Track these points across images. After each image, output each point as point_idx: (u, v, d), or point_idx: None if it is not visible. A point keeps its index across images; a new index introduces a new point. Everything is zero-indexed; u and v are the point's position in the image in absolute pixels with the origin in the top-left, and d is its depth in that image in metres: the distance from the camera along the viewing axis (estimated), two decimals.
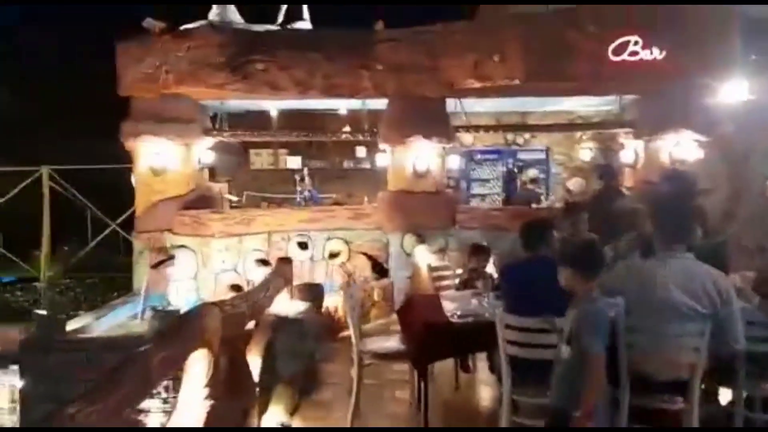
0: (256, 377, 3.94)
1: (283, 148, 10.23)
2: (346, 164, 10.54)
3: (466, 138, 10.79)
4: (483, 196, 10.27)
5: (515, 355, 3.39)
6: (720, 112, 9.74)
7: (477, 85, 7.25)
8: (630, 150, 8.05)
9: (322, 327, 5.40)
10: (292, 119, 9.83)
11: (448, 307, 4.25)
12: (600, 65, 6.80)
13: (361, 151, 10.41)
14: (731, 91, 9.54)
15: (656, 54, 6.76)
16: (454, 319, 3.90)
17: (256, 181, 10.26)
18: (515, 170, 10.02)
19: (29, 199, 10.63)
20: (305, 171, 9.46)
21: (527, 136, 10.87)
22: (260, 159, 10.34)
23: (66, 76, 12.44)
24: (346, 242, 7.50)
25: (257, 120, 9.74)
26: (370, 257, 7.45)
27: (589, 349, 2.57)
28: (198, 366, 2.80)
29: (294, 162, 10.07)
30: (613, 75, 6.84)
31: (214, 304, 2.97)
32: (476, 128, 8.79)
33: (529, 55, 6.96)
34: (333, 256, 7.36)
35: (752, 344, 3.44)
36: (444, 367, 4.48)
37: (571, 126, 9.62)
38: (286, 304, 4.98)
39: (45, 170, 10.40)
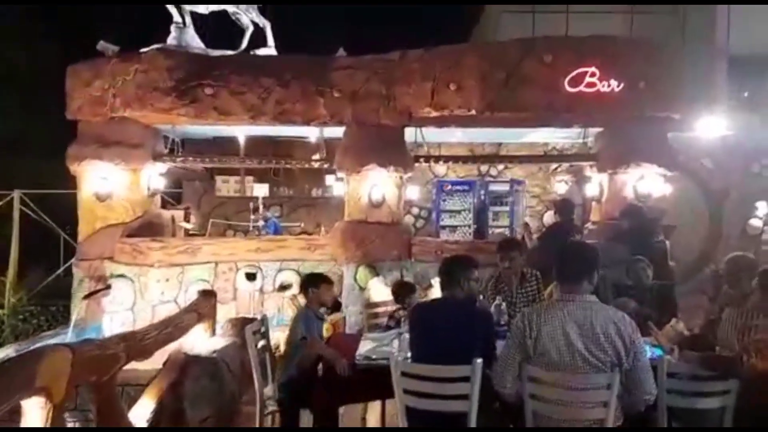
0: (144, 422, 3.65)
1: (250, 175, 10.06)
2: (315, 192, 10.34)
3: (439, 168, 10.64)
4: (453, 228, 10.03)
5: (413, 406, 3.12)
6: (694, 148, 9.59)
7: (434, 114, 7.09)
8: (595, 183, 7.82)
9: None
10: (261, 146, 9.69)
11: (364, 348, 3.98)
12: (556, 96, 6.63)
13: (330, 180, 10.23)
14: (707, 127, 9.41)
15: (614, 86, 6.59)
16: (359, 362, 3.62)
17: (221, 209, 10.08)
18: (487, 202, 9.82)
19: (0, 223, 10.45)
20: (260, 200, 9.26)
21: (501, 167, 10.70)
22: (227, 186, 10.17)
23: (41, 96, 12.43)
24: (299, 274, 7.23)
25: (225, 146, 9.62)
26: None
27: None
28: (33, 415, 2.53)
29: (261, 189, 9.88)
30: (570, 106, 6.67)
31: (66, 345, 2.71)
32: (437, 158, 8.61)
33: (485, 85, 6.82)
34: (283, 288, 7.09)
35: (673, 398, 3.17)
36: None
37: (532, 158, 9.45)
38: (204, 341, 4.70)
39: (16, 194, 10.25)
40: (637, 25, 13.67)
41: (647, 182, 7.21)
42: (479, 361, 2.98)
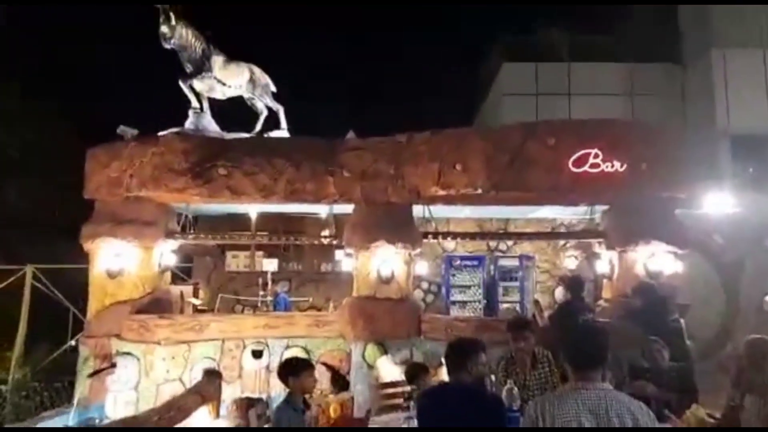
0: None
1: (260, 250, 10.15)
2: (324, 267, 10.36)
3: (448, 243, 10.69)
4: (464, 303, 9.93)
5: None
6: (703, 224, 9.61)
7: (441, 192, 7.23)
8: (605, 260, 7.79)
9: None
10: (272, 221, 9.84)
11: None
12: (560, 176, 6.76)
13: (339, 255, 10.28)
14: (715, 204, 9.48)
15: (617, 167, 6.73)
16: None
17: (231, 284, 10.09)
18: (497, 277, 9.77)
19: (11, 298, 10.50)
20: (269, 275, 9.28)
21: (510, 243, 10.72)
22: (236, 261, 10.24)
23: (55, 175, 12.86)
24: (307, 351, 7.13)
25: (237, 222, 9.78)
26: (330, 367, 7.03)
27: None
28: None
29: (270, 264, 9.93)
30: (574, 186, 6.77)
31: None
32: (445, 234, 8.66)
33: (490, 166, 6.98)
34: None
35: None
36: None
37: (540, 234, 9.48)
38: (208, 424, 4.58)
39: (29, 269, 10.37)
40: (638, 108, 14.18)
41: (658, 260, 7.18)
42: None
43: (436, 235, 8.77)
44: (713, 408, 4.36)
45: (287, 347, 7.13)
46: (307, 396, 4.25)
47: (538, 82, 14.74)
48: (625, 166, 6.77)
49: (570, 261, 10.21)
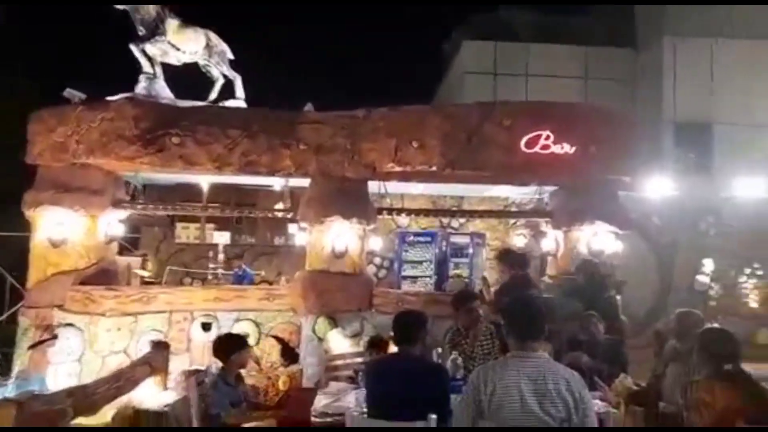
0: None
1: (211, 222, 10.01)
2: (277, 241, 10.32)
3: (402, 220, 10.82)
4: (415, 278, 10.10)
5: None
6: (643, 206, 10.09)
7: (398, 169, 7.30)
8: (551, 239, 8.10)
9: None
10: (224, 192, 9.69)
11: (320, 403, 3.95)
12: (513, 157, 6.94)
13: (293, 228, 10.25)
14: (656, 187, 9.96)
15: (567, 149, 6.95)
16: (315, 418, 3.59)
17: (180, 256, 9.93)
18: (448, 254, 9.97)
19: None
20: (220, 248, 9.19)
21: (463, 220, 10.95)
22: (186, 233, 10.06)
23: None
24: (257, 324, 7.14)
25: (188, 192, 9.58)
26: (280, 341, 7.09)
27: None
28: None
29: (221, 237, 9.82)
30: (526, 166, 6.97)
31: (11, 400, 2.62)
32: (399, 211, 8.78)
33: (446, 144, 7.08)
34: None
35: None
36: None
37: (492, 212, 9.71)
38: (155, 395, 4.57)
39: None
40: (593, 91, 14.58)
41: (600, 239, 7.51)
42: (434, 416, 3.01)
43: (390, 211, 8.87)
44: (642, 378, 4.66)
45: (237, 320, 7.11)
46: (242, 371, 4.32)
47: (497, 61, 14.92)
48: (574, 148, 6.99)
49: (519, 239, 10.53)
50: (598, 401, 3.92)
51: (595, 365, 4.86)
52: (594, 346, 5.18)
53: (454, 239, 10.14)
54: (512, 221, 10.67)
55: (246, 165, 7.19)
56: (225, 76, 8.47)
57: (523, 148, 6.89)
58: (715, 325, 3.96)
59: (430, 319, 3.65)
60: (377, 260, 10.26)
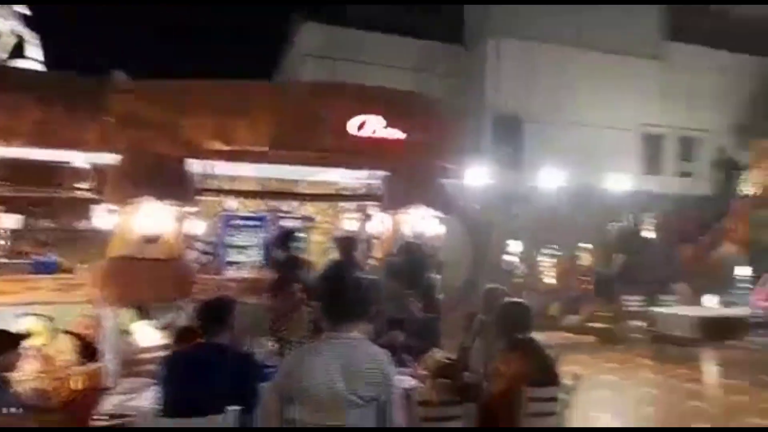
0: None
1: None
2: (80, 225, 9.13)
3: (231, 203, 10.30)
4: (242, 264, 9.70)
5: None
6: (464, 193, 10.88)
7: (222, 147, 6.88)
8: (378, 222, 8.31)
9: None
10: (15, 170, 8.29)
11: (110, 403, 3.52)
12: (344, 140, 6.95)
13: (99, 211, 9.15)
14: (475, 176, 10.78)
15: (397, 134, 7.14)
16: (98, 420, 3.19)
17: None
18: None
19: None
20: (8, 232, 7.92)
21: (295, 204, 10.78)
22: None
23: None
24: (50, 319, 6.23)
25: None
26: (76, 336, 6.27)
27: None
28: None
29: (10, 220, 8.41)
30: (357, 150, 7.03)
31: None
32: (226, 192, 8.36)
33: (276, 123, 6.85)
34: (24, 338, 5.98)
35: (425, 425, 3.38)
36: None
37: (323, 196, 9.71)
38: None
39: None
40: (426, 83, 15.26)
41: (424, 223, 7.87)
42: (233, 409, 2.82)
43: (214, 192, 8.39)
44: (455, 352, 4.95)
45: (21, 315, 6.11)
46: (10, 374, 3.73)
47: (336, 46, 14.91)
48: (404, 134, 7.20)
49: (349, 223, 10.67)
50: (408, 377, 4.08)
51: (409, 342, 5.05)
52: (412, 324, 5.40)
53: (284, 223, 9.94)
54: (342, 205, 10.77)
55: (40, 137, 6.22)
56: (18, 35, 7.24)
57: (355, 132, 6.92)
58: (514, 299, 4.31)
59: (239, 306, 3.43)
60: (200, 245, 9.64)
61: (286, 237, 6.30)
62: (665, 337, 8.77)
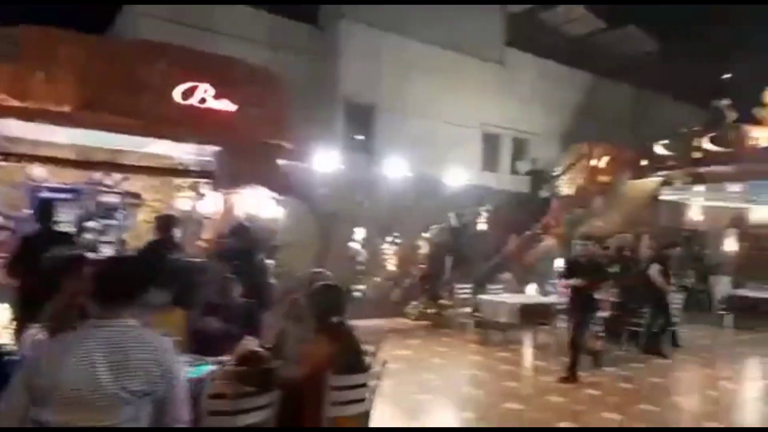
0: None
1: None
2: None
3: (38, 171, 8.94)
4: None
5: None
6: (311, 177, 10.64)
7: (13, 103, 5.84)
8: (210, 201, 7.76)
9: None
10: None
11: None
12: (167, 106, 6.30)
13: None
14: (324, 161, 10.58)
15: (228, 107, 6.64)
16: None
17: None
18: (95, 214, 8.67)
19: None
20: None
21: (119, 177, 9.69)
22: None
23: None
24: None
25: None
26: None
27: None
28: None
29: None
30: (181, 119, 6.43)
31: None
32: (27, 159, 7.20)
33: (85, 81, 6.00)
34: None
35: (217, 419, 3.09)
36: None
37: (143, 168, 8.85)
38: None
39: None
40: (275, 61, 14.63)
41: (259, 203, 7.49)
42: None
43: (17, 157, 7.19)
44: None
45: None
46: None
47: (181, 8, 13.63)
48: (235, 107, 6.73)
49: (183, 202, 9.88)
50: (212, 367, 3.74)
51: (228, 328, 4.70)
52: (229, 309, 5.04)
53: (105, 198, 8.88)
54: (177, 182, 9.93)
55: None
56: None
57: (179, 99, 6.30)
58: (327, 282, 4.16)
59: None
60: None
61: (44, 208, 5.52)
62: (489, 322, 9.37)
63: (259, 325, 5.17)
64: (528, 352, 9.14)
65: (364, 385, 3.53)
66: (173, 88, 6.26)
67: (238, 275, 5.52)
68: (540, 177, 14.83)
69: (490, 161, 16.78)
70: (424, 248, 12.43)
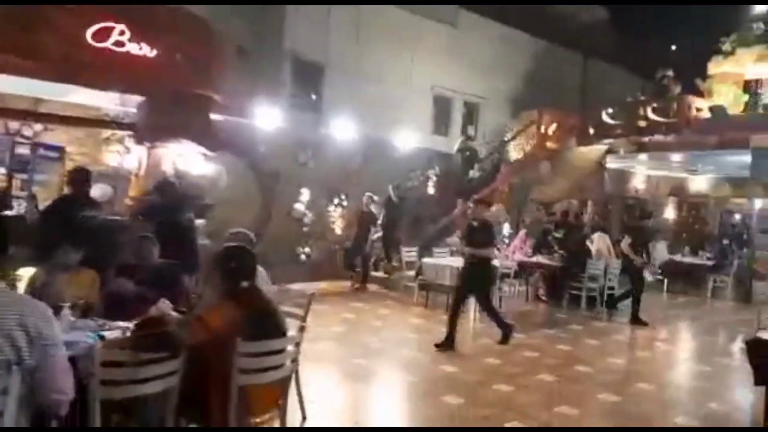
0: None
1: None
2: None
3: None
4: None
5: None
6: (250, 133, 10.13)
7: None
8: (134, 156, 7.20)
9: None
10: None
11: None
12: (79, 49, 5.68)
13: None
14: (266, 117, 10.07)
15: (146, 51, 6.06)
16: None
17: None
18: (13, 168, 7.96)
19: None
20: None
21: (39, 127, 8.91)
22: None
23: None
24: None
25: None
26: None
27: None
28: None
29: None
30: (95, 63, 5.82)
31: None
32: None
33: None
34: None
35: (110, 390, 2.77)
36: None
37: (53, 117, 8.09)
38: None
39: None
40: (221, 13, 13.73)
41: (187, 159, 7.00)
42: None
43: None
44: None
45: None
46: None
47: None
48: (156, 52, 6.15)
49: (113, 156, 9.23)
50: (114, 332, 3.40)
51: (140, 292, 4.33)
52: (145, 270, 4.64)
53: (22, 150, 8.16)
54: (106, 135, 9.23)
55: None
56: None
57: (91, 41, 5.69)
58: (235, 243, 3.85)
59: None
60: None
61: None
62: (432, 285, 9.28)
63: (180, 288, 4.80)
64: (469, 316, 9.13)
65: (280, 352, 3.27)
66: (85, 28, 5.62)
67: (161, 235, 5.13)
68: (471, 157, 14.54)
69: (441, 125, 16.54)
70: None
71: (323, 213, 12.11)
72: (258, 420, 3.17)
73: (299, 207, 11.66)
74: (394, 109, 14.04)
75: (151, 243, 4.76)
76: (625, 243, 9.29)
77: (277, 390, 3.30)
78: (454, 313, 6.87)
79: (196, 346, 2.92)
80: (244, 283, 3.21)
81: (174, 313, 3.89)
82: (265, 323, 3.13)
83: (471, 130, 17.06)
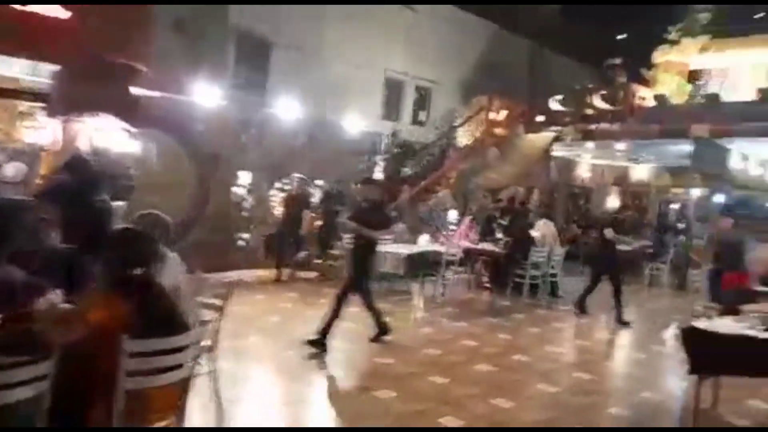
0: None
1: None
2: None
3: None
4: None
5: None
6: (186, 111, 9.51)
7: None
8: (49, 131, 6.56)
9: None
10: None
11: None
12: None
13: None
14: (204, 94, 9.47)
15: (59, 12, 5.46)
16: None
17: None
18: None
19: None
20: None
21: None
22: None
23: None
24: None
25: None
26: None
27: None
28: None
29: None
30: None
31: None
32: None
33: None
34: None
35: None
36: None
37: None
38: None
39: None
40: None
41: (106, 135, 6.42)
42: None
43: None
44: None
45: None
46: None
47: None
48: (69, 14, 5.55)
49: (30, 132, 8.47)
50: None
51: (29, 281, 3.84)
52: (42, 257, 4.14)
53: None
54: (21, 109, 8.44)
55: None
56: None
57: None
58: (127, 226, 3.44)
59: None
60: None
61: None
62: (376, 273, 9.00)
63: (82, 277, 4.32)
64: (410, 304, 8.93)
65: (181, 349, 2.90)
66: None
67: (69, 218, 4.62)
68: (404, 153, 14.20)
69: (392, 109, 16.21)
70: (317, 196, 11.76)
71: (265, 197, 11.61)
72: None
73: (239, 190, 11.13)
74: (343, 90, 13.59)
75: (49, 226, 4.25)
76: (610, 234, 8.49)
77: (176, 392, 2.93)
78: (367, 302, 6.28)
79: (74, 345, 2.52)
80: (137, 271, 2.82)
81: (66, 306, 3.46)
82: (162, 317, 2.75)
83: (422, 115, 16.83)
